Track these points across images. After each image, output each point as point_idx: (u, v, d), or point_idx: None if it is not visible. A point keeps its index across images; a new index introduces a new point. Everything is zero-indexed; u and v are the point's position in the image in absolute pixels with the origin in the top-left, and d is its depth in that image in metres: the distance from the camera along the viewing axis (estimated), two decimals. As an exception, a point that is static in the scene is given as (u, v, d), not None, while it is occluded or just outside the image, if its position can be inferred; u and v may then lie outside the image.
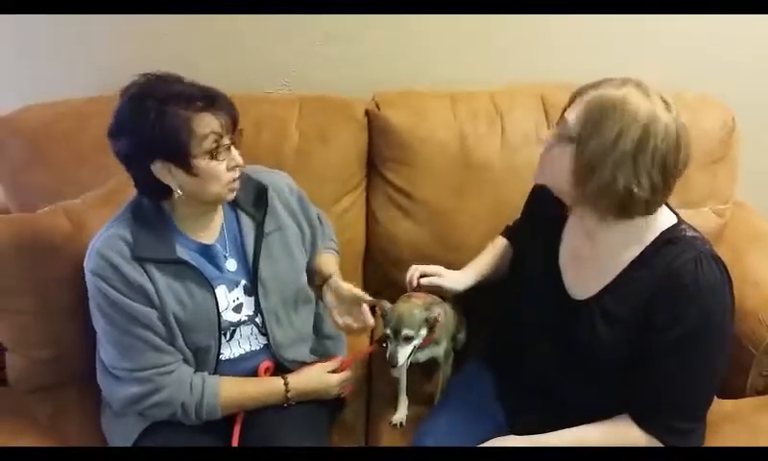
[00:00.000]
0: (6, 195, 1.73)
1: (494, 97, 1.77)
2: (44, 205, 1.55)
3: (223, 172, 1.23)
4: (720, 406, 1.18)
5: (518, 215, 1.51)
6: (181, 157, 1.19)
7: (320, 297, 1.46)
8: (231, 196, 1.29)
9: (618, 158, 1.04)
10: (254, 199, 1.37)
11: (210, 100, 1.20)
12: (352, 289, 1.38)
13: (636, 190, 1.05)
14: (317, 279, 1.48)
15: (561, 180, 1.13)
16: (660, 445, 1.14)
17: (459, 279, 1.42)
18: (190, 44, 1.87)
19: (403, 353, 1.32)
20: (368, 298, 1.36)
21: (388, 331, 1.33)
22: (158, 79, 1.21)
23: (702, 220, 1.21)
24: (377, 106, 1.76)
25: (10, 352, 1.50)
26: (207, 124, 1.19)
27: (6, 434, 1.40)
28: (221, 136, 1.21)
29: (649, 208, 1.09)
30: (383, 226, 1.78)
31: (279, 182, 1.44)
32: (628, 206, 1.08)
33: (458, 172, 1.71)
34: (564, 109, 1.14)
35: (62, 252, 1.42)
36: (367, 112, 1.77)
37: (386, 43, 1.88)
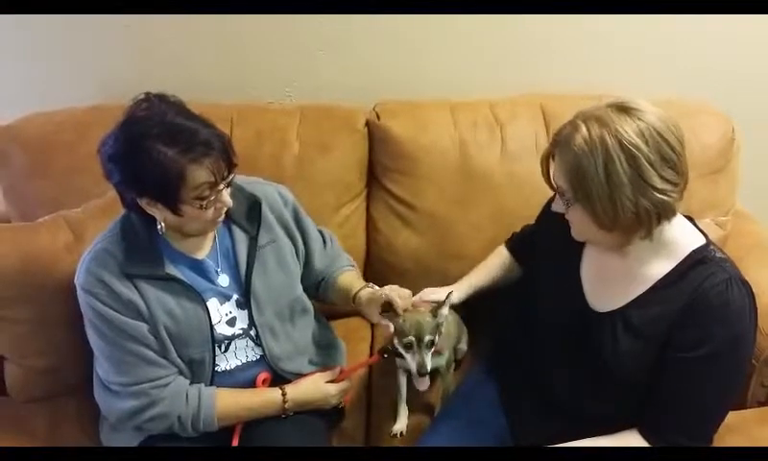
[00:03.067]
0: (6, 204, 1.73)
1: (494, 107, 1.77)
2: (45, 213, 1.55)
3: (209, 214, 1.22)
4: (721, 418, 1.19)
5: (519, 224, 1.51)
6: (171, 202, 1.18)
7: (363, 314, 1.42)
8: (214, 228, 1.30)
9: (626, 186, 1.03)
10: (247, 212, 1.36)
11: (209, 146, 1.16)
12: (384, 294, 1.32)
13: (661, 197, 1.04)
14: (342, 299, 1.45)
15: (593, 234, 1.13)
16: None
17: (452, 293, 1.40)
18: (192, 55, 1.88)
19: (429, 360, 1.30)
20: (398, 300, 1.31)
21: (409, 339, 1.29)
22: (160, 108, 1.17)
23: (705, 231, 1.20)
24: (378, 115, 1.76)
25: (8, 362, 1.50)
26: (202, 175, 1.16)
27: (4, 444, 1.40)
28: (214, 184, 1.19)
29: (676, 205, 1.09)
30: (384, 235, 1.78)
31: (273, 194, 1.42)
32: (664, 213, 1.08)
33: (458, 182, 1.71)
34: (547, 167, 1.16)
35: (62, 261, 1.41)
36: (367, 122, 1.77)
37: (387, 54, 1.88)
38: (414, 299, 1.36)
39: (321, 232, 1.52)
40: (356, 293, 1.41)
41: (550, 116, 1.72)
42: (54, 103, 1.75)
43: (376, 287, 1.41)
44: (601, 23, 1.83)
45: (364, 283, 1.45)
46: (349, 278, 1.50)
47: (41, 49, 1.86)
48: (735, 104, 1.76)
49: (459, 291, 1.43)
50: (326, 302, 1.53)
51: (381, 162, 1.77)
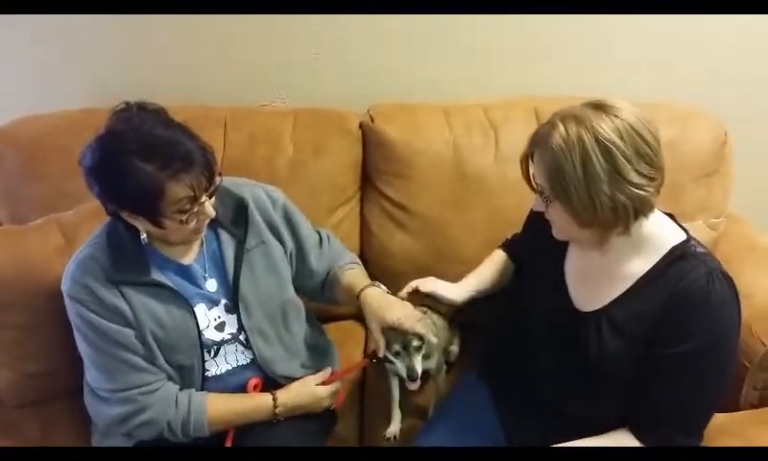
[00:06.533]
0: (-2, 207, 1.72)
1: (488, 110, 1.77)
2: (37, 216, 1.55)
3: (191, 226, 1.21)
4: (714, 419, 1.18)
5: (513, 227, 1.51)
6: (151, 216, 1.17)
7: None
8: (198, 237, 1.29)
9: (603, 181, 1.05)
10: (234, 215, 1.35)
11: (189, 161, 1.13)
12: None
13: (637, 191, 1.05)
14: (348, 298, 1.43)
15: (573, 231, 1.14)
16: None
17: (456, 291, 1.42)
18: (185, 58, 1.88)
19: (419, 364, 1.31)
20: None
21: (396, 347, 1.30)
22: (139, 119, 1.14)
23: (695, 233, 1.21)
24: (372, 118, 1.76)
25: (-1, 367, 1.50)
26: (181, 190, 1.14)
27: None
28: (195, 198, 1.17)
29: (653, 200, 1.10)
30: (378, 238, 1.78)
31: (260, 196, 1.40)
32: (641, 208, 1.08)
33: (452, 184, 1.71)
34: (526, 167, 1.18)
35: (55, 265, 1.40)
36: (361, 125, 1.77)
37: (381, 57, 1.89)
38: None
39: (318, 232, 1.51)
40: (362, 290, 1.39)
41: (544, 119, 1.68)
42: (47, 105, 1.75)
43: (383, 286, 1.41)
44: (595, 26, 1.84)
45: (369, 281, 1.44)
46: (355, 275, 1.48)
47: (35, 51, 1.85)
48: (728, 107, 1.76)
49: (466, 291, 1.42)
50: (333, 301, 1.51)
51: (375, 165, 1.77)
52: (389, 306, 1.33)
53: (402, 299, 1.38)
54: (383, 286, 1.42)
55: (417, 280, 1.40)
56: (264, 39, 1.86)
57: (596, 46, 1.88)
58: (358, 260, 1.57)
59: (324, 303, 1.53)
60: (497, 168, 1.71)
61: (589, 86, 1.74)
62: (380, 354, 1.32)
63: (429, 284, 1.39)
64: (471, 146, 1.72)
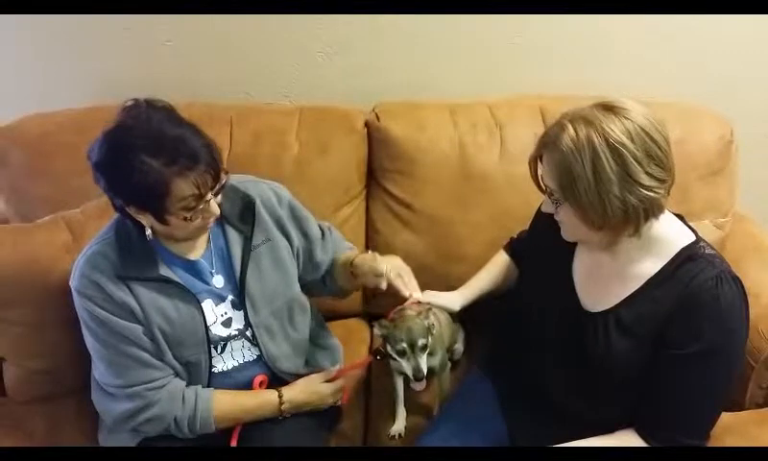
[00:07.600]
0: (5, 205, 1.73)
1: (493, 109, 1.77)
2: (43, 214, 1.55)
3: (195, 224, 1.21)
4: (720, 419, 1.19)
5: (518, 226, 1.51)
6: (156, 212, 1.17)
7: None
8: (203, 234, 1.30)
9: (613, 183, 1.04)
10: (241, 212, 1.35)
11: (195, 158, 1.13)
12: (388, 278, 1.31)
13: (648, 193, 1.05)
14: (345, 276, 1.44)
15: (583, 233, 1.14)
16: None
17: (454, 299, 1.43)
18: (191, 56, 1.88)
19: (424, 363, 1.31)
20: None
21: (402, 346, 1.30)
22: (147, 115, 1.14)
23: (702, 232, 1.21)
24: (377, 117, 1.76)
25: (7, 363, 1.51)
26: (188, 187, 1.14)
27: (2, 445, 1.40)
28: (200, 196, 1.17)
29: (663, 202, 1.09)
30: (383, 236, 1.79)
31: (267, 193, 1.41)
32: (651, 209, 1.08)
33: (457, 183, 1.71)
34: (535, 168, 1.17)
35: (62, 262, 1.41)
36: (366, 123, 1.77)
37: (386, 55, 1.89)
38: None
39: (319, 225, 1.51)
40: (354, 259, 1.39)
41: (549, 118, 1.72)
42: (53, 103, 1.75)
43: (377, 254, 1.40)
44: (601, 25, 1.84)
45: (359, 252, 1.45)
46: (349, 254, 1.49)
47: (41, 49, 1.86)
48: (731, 107, 1.76)
49: (464, 297, 1.44)
50: (335, 289, 1.51)
51: (380, 163, 1.77)
52: (381, 259, 1.34)
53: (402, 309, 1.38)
54: (378, 254, 1.42)
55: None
56: (269, 38, 1.86)
57: (601, 44, 1.88)
58: (354, 247, 1.58)
59: (326, 294, 1.53)
60: (502, 166, 1.71)
61: (595, 85, 1.75)
62: (380, 269, 1.29)
63: (428, 296, 1.39)
64: (477, 144, 1.72)
